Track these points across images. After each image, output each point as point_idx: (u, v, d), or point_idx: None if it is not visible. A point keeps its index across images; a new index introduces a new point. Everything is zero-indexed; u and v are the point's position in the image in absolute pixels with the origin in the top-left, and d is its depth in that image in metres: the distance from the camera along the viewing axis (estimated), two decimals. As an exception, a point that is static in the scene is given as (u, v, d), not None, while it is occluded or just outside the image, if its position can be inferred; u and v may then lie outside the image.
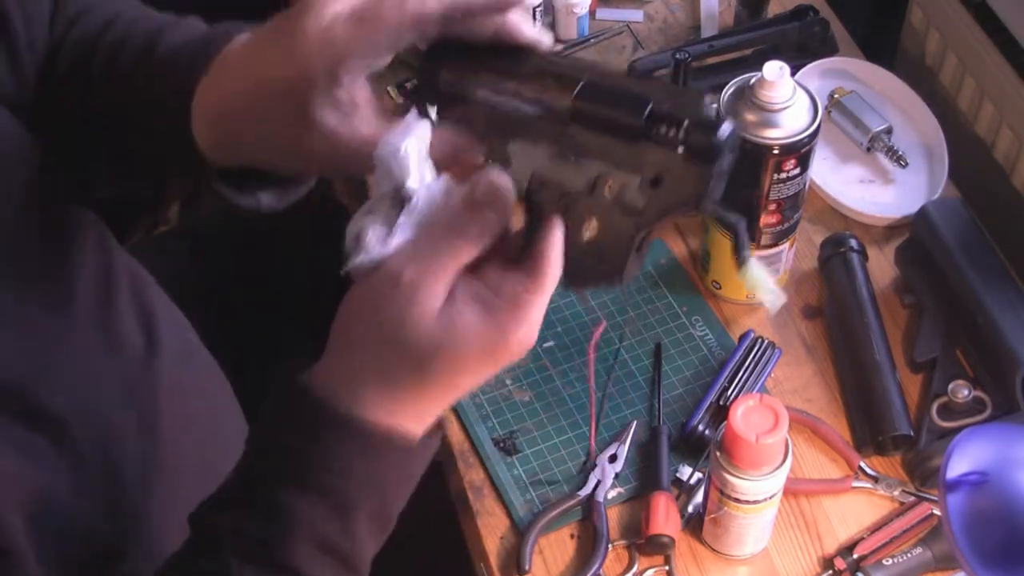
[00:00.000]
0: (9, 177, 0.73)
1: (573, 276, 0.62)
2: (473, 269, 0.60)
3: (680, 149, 0.58)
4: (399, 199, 0.61)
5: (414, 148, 0.62)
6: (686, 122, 0.58)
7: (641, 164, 0.59)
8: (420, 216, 0.61)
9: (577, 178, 0.61)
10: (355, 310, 0.61)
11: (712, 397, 1.03)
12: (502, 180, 0.60)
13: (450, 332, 0.58)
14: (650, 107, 0.59)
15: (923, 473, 0.98)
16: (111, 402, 0.79)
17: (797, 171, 0.98)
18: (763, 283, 0.68)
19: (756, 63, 1.17)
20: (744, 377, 1.04)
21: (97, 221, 0.84)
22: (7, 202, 0.73)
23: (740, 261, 0.66)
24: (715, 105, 0.60)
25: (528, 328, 0.59)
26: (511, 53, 0.65)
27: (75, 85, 0.77)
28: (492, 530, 0.98)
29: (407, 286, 0.58)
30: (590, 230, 0.61)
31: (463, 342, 0.58)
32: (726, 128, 0.58)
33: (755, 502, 0.87)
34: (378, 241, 0.60)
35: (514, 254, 0.61)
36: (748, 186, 1.00)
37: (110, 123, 0.75)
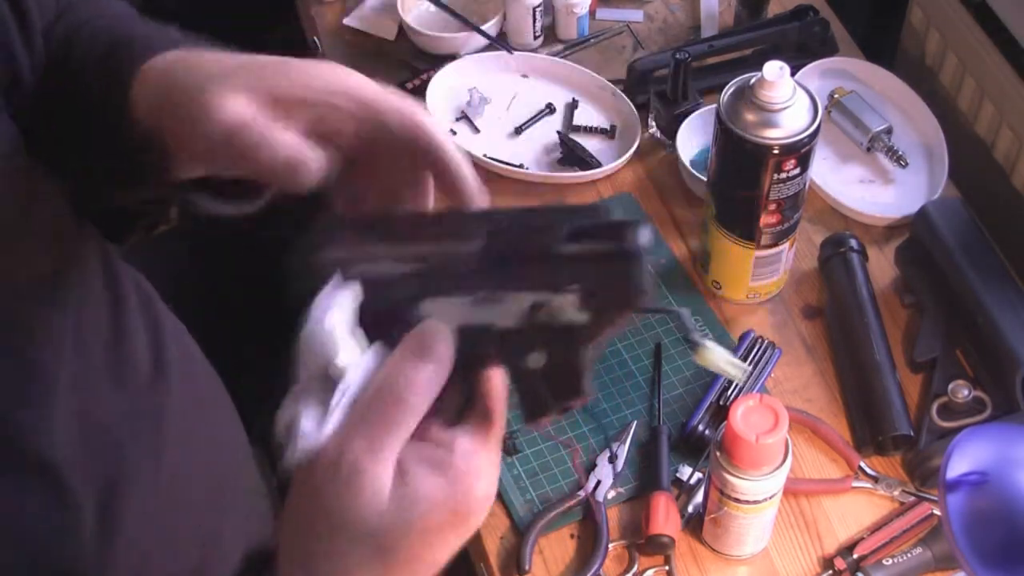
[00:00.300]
0: (10, 187, 0.72)
1: (532, 409, 0.59)
2: (416, 431, 0.56)
3: (603, 258, 0.58)
4: (330, 378, 0.57)
5: (340, 321, 0.58)
6: (605, 230, 0.58)
7: (570, 282, 0.58)
8: (355, 393, 0.57)
9: (507, 315, 0.58)
10: (302, 505, 0.56)
11: (712, 397, 1.03)
12: (436, 328, 0.57)
13: (409, 509, 0.54)
14: (565, 229, 0.58)
15: (923, 473, 0.98)
16: (112, 435, 0.77)
17: (797, 171, 0.98)
18: (723, 360, 0.67)
19: (756, 63, 1.17)
20: (744, 377, 1.04)
21: (97, 235, 0.83)
22: (4, 215, 0.71)
23: (692, 347, 0.65)
24: (608, 212, 0.60)
25: (488, 482, 0.56)
26: (395, 218, 0.63)
27: (50, 84, 0.76)
28: (492, 530, 0.98)
29: (351, 471, 0.53)
30: (537, 361, 0.58)
31: (425, 515, 0.54)
32: (641, 225, 0.58)
33: (755, 502, 0.87)
34: (314, 427, 0.56)
35: (456, 407, 0.58)
36: (748, 186, 1.00)
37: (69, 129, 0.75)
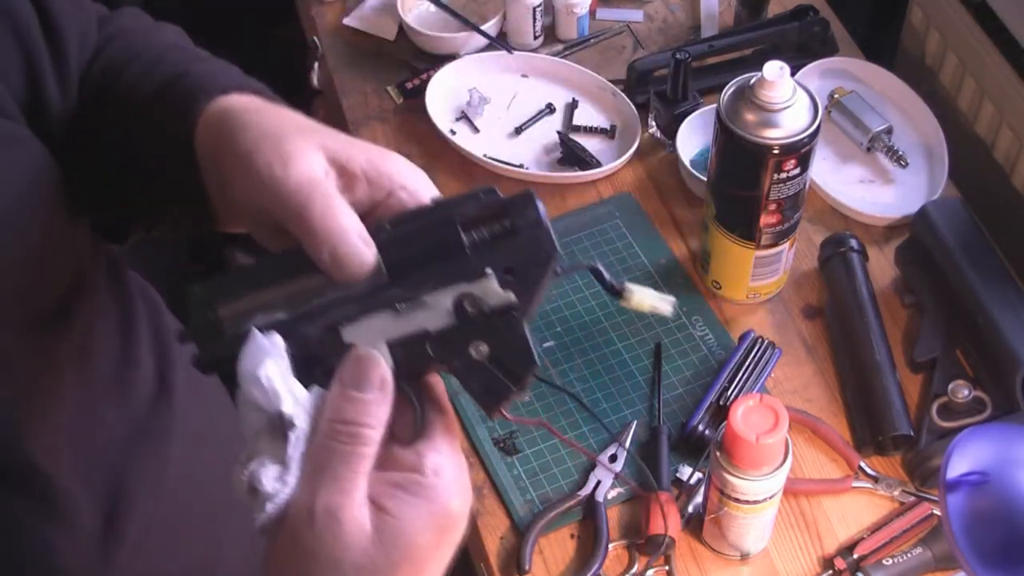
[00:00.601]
0: (34, 212, 0.71)
1: (488, 399, 0.59)
2: (378, 458, 0.56)
3: (506, 235, 0.59)
4: (279, 429, 0.56)
5: (275, 371, 0.56)
6: (495, 210, 0.59)
7: (483, 267, 0.59)
8: (307, 438, 0.56)
9: (435, 317, 0.59)
10: (285, 558, 0.55)
11: (712, 397, 1.03)
12: (365, 354, 0.57)
13: (396, 540, 0.54)
14: (458, 220, 0.59)
15: (923, 473, 0.98)
16: (116, 454, 0.76)
17: (797, 171, 0.98)
18: (652, 298, 0.66)
19: (756, 63, 1.17)
20: (744, 377, 1.04)
21: (105, 244, 0.82)
22: (25, 239, 0.70)
23: (618, 294, 0.65)
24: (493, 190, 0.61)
25: (462, 487, 0.56)
26: (279, 258, 0.62)
27: (94, 117, 0.76)
28: (492, 530, 0.98)
29: (328, 516, 0.53)
30: (479, 351, 0.58)
31: (413, 541, 0.54)
32: (527, 195, 0.59)
33: (755, 502, 0.87)
34: (277, 482, 0.55)
35: (411, 421, 0.58)
36: (748, 186, 1.00)
37: (118, 159, 0.74)
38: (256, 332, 0.58)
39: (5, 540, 0.69)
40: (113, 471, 0.76)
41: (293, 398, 0.56)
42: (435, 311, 0.59)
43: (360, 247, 0.58)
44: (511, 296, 0.58)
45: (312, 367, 0.58)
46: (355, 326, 0.59)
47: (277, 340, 0.58)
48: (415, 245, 0.59)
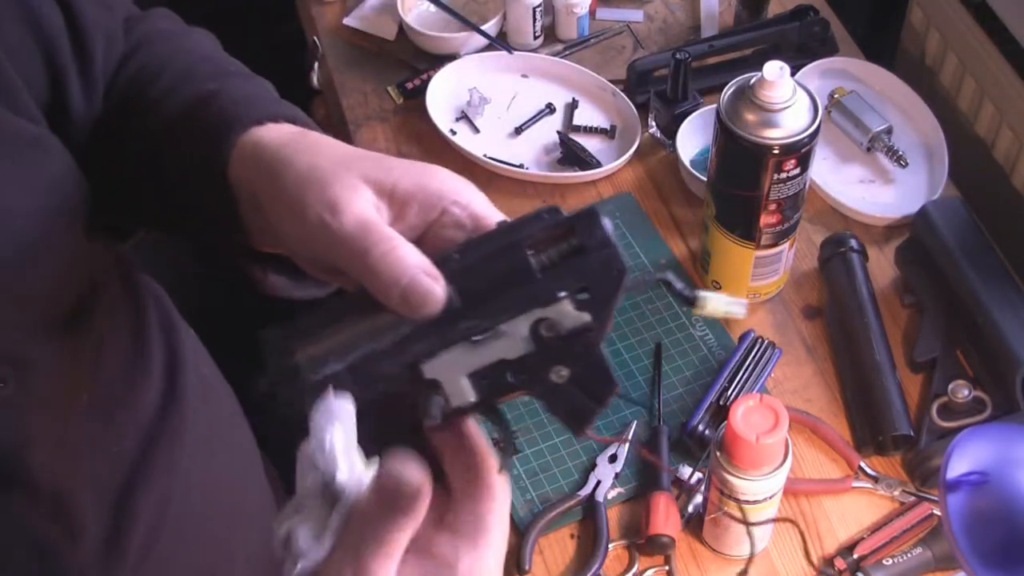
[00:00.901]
0: (55, 219, 0.70)
1: (574, 421, 0.59)
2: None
3: (575, 256, 0.58)
4: (329, 494, 0.56)
5: (340, 437, 0.56)
6: (562, 231, 0.59)
7: (557, 291, 0.58)
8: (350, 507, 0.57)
9: (513, 345, 0.58)
10: None
11: (712, 397, 1.03)
12: (398, 470, 0.56)
13: None
14: (526, 244, 0.59)
15: (923, 473, 0.98)
16: (123, 461, 0.76)
17: (797, 171, 0.98)
18: (725, 304, 0.65)
19: (756, 63, 1.17)
20: (744, 377, 1.04)
21: (118, 249, 0.82)
22: (46, 245, 0.69)
23: (691, 302, 0.64)
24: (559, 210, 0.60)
25: (500, 534, 0.57)
26: (350, 297, 0.61)
27: (120, 128, 0.75)
28: (492, 530, 0.98)
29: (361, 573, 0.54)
30: (559, 375, 0.58)
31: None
32: (592, 212, 0.59)
33: (755, 502, 0.87)
34: (312, 543, 0.56)
35: (468, 468, 0.58)
36: (748, 186, 1.00)
37: (147, 175, 0.74)
38: (330, 393, 0.58)
39: (12, 545, 0.69)
40: (120, 479, 0.75)
41: (350, 468, 0.56)
42: (512, 339, 0.58)
43: (429, 284, 0.58)
44: (586, 317, 0.58)
45: (396, 406, 0.58)
46: (435, 361, 0.58)
47: (347, 406, 0.58)
48: (485, 274, 0.59)
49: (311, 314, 0.61)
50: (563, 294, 0.58)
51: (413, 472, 0.55)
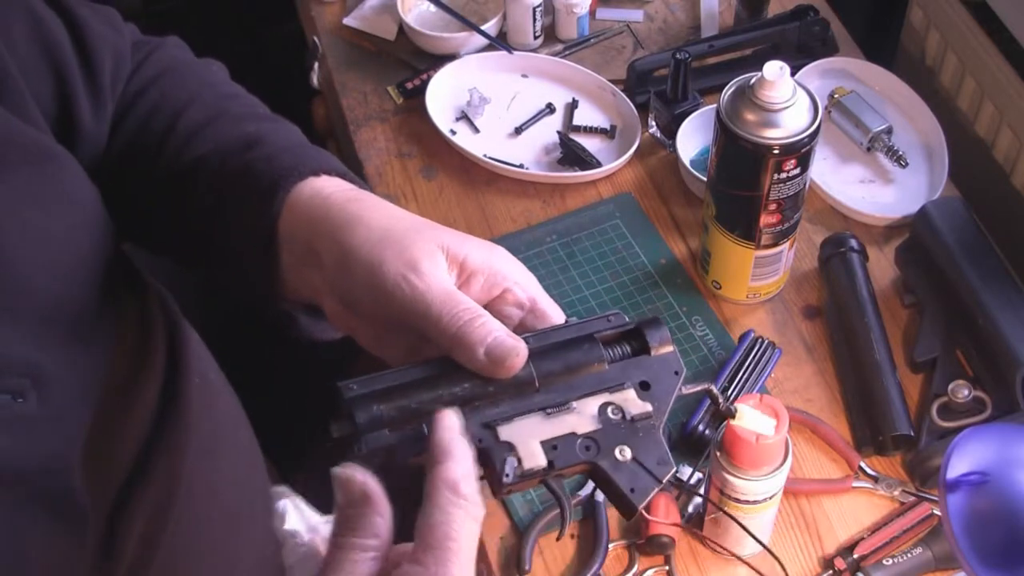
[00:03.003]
0: (66, 229, 0.70)
1: (634, 496, 0.64)
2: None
3: (641, 351, 0.67)
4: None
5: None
6: (633, 328, 0.68)
7: (624, 381, 0.66)
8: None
9: (583, 421, 0.65)
10: None
11: (712, 397, 1.03)
12: (342, 472, 0.58)
13: None
14: (598, 339, 0.67)
15: (923, 473, 0.98)
16: (124, 471, 0.75)
17: (797, 171, 0.98)
18: (757, 418, 0.77)
19: (756, 63, 1.17)
20: (744, 377, 1.04)
21: (128, 257, 0.81)
22: (57, 255, 0.70)
23: (732, 415, 0.75)
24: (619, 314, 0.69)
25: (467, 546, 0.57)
26: (422, 367, 0.66)
27: (141, 157, 0.76)
28: (492, 530, 0.98)
29: None
30: (623, 453, 0.64)
31: None
32: (657, 322, 0.68)
33: (755, 502, 0.87)
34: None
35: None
36: (748, 186, 1.00)
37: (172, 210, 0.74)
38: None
39: (21, 551, 0.69)
40: (118, 484, 0.75)
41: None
42: (582, 416, 0.64)
43: (514, 343, 0.63)
44: (649, 406, 0.65)
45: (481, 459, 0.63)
46: (510, 425, 0.64)
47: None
48: (560, 357, 0.66)
49: (387, 374, 0.65)
50: (628, 384, 0.66)
51: (358, 474, 0.57)
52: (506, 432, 0.63)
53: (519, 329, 0.69)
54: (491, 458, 0.63)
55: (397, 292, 0.64)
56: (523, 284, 0.69)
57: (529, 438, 0.63)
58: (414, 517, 0.58)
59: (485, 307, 0.66)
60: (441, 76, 1.32)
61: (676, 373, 0.67)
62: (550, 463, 0.63)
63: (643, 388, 0.66)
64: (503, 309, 0.69)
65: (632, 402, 0.65)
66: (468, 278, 0.67)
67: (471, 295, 0.66)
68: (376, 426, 0.62)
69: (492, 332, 0.63)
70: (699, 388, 0.70)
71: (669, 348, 0.67)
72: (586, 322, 0.68)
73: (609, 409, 0.65)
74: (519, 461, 0.62)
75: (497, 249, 0.69)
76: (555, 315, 0.70)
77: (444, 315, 0.63)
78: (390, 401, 0.63)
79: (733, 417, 0.76)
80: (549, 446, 0.63)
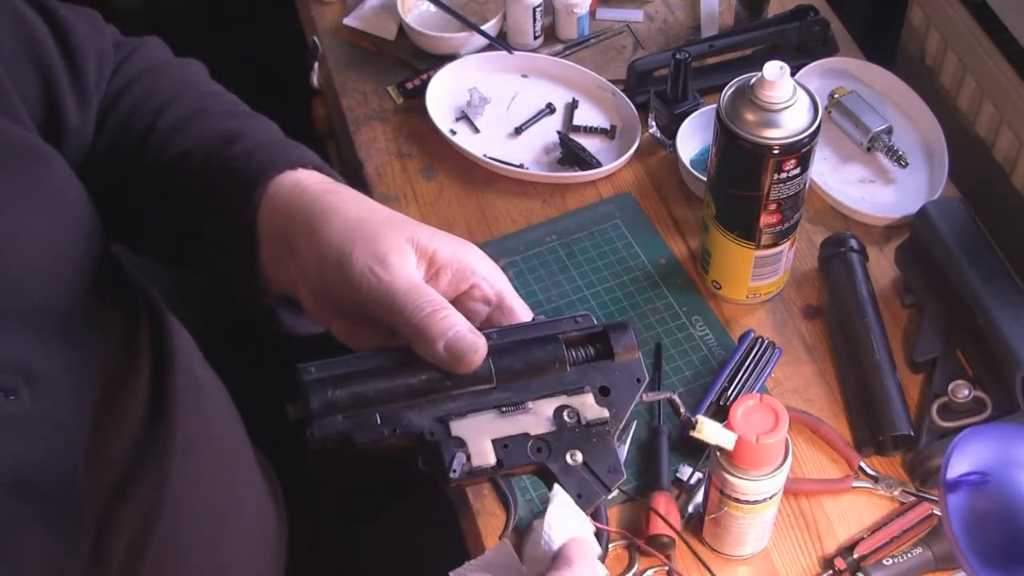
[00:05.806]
0: (54, 228, 0.71)
1: (580, 501, 0.64)
2: None
3: (604, 356, 0.67)
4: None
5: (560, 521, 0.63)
6: (599, 331, 0.68)
7: (583, 385, 0.66)
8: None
9: (538, 423, 0.64)
10: None
11: (712, 397, 1.03)
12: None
13: None
14: (560, 340, 0.67)
15: (923, 473, 0.98)
16: (113, 471, 0.75)
17: (797, 171, 0.98)
18: (717, 432, 0.76)
19: (756, 63, 1.17)
20: (744, 377, 1.04)
21: (115, 255, 0.82)
22: (46, 254, 0.70)
23: (690, 427, 0.74)
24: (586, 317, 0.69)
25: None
26: (386, 351, 0.66)
27: (124, 155, 0.76)
28: (492, 530, 0.98)
29: None
30: (574, 458, 0.64)
31: None
32: (623, 327, 0.68)
33: (755, 502, 0.87)
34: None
35: None
36: (748, 186, 1.00)
37: (160, 206, 0.75)
38: (560, 494, 0.63)
39: (12, 549, 0.69)
40: (108, 486, 0.75)
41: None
42: (537, 417, 0.65)
43: (474, 338, 0.64)
44: (606, 412, 0.65)
45: (421, 451, 0.63)
46: (463, 421, 0.64)
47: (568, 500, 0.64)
48: (521, 356, 0.66)
49: (349, 359, 0.65)
50: (587, 388, 0.65)
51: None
52: (459, 428, 0.63)
53: (485, 324, 0.70)
54: (440, 453, 0.62)
55: (364, 283, 0.65)
56: (491, 280, 0.69)
57: (481, 435, 0.63)
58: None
59: (453, 302, 0.67)
60: (441, 76, 1.32)
61: (638, 380, 0.67)
62: (499, 462, 0.63)
63: (602, 393, 0.66)
64: (470, 304, 0.70)
65: (589, 407, 0.65)
66: (436, 272, 0.68)
67: (439, 289, 0.67)
68: (330, 411, 0.62)
69: (453, 326, 0.64)
70: (661, 397, 0.70)
71: (634, 354, 0.67)
72: (553, 322, 0.68)
73: (565, 412, 0.65)
74: (468, 458, 0.62)
75: (467, 245, 0.70)
76: (522, 312, 0.71)
77: (407, 307, 0.64)
78: (346, 387, 0.63)
79: (693, 428, 0.75)
80: (500, 445, 0.63)
